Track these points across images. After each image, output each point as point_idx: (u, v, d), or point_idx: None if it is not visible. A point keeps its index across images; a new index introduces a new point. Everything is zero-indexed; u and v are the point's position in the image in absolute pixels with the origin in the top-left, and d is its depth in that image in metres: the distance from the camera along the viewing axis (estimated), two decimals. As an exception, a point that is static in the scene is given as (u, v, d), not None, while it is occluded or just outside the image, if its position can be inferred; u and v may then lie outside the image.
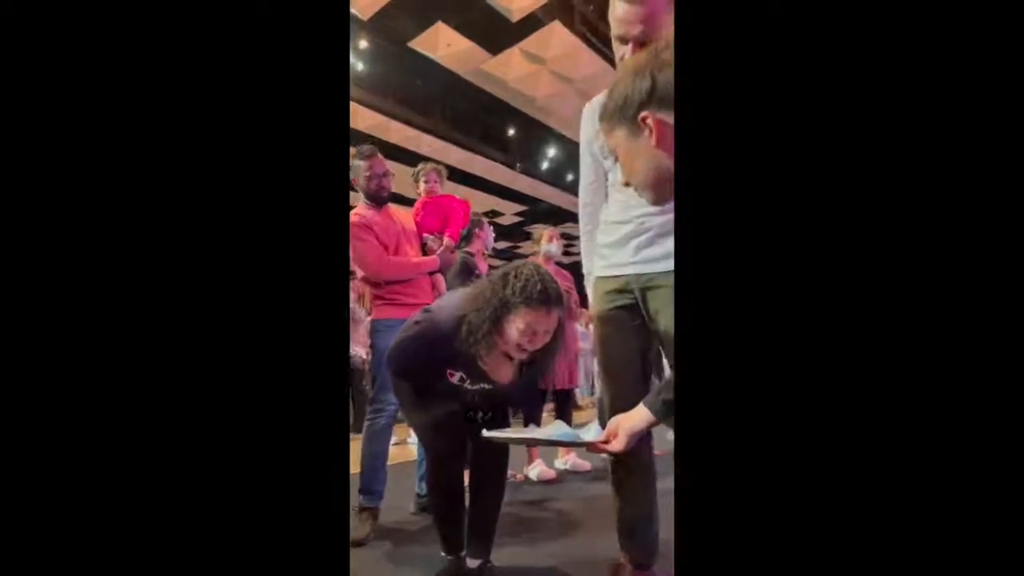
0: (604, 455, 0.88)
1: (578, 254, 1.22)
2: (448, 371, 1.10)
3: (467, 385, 1.11)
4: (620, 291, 1.06)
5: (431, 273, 1.72)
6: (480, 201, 6.70)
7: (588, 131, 1.12)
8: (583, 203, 1.18)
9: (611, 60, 3.93)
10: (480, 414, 1.14)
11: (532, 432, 1.03)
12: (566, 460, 2.33)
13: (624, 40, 0.96)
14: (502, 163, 6.07)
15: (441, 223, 1.84)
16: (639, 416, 0.74)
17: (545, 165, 6.16)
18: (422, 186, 1.94)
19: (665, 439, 2.30)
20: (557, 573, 1.22)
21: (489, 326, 0.99)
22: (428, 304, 1.54)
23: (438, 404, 1.13)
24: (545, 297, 0.98)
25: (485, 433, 0.95)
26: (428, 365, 1.09)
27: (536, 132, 5.74)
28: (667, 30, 0.66)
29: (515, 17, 4.40)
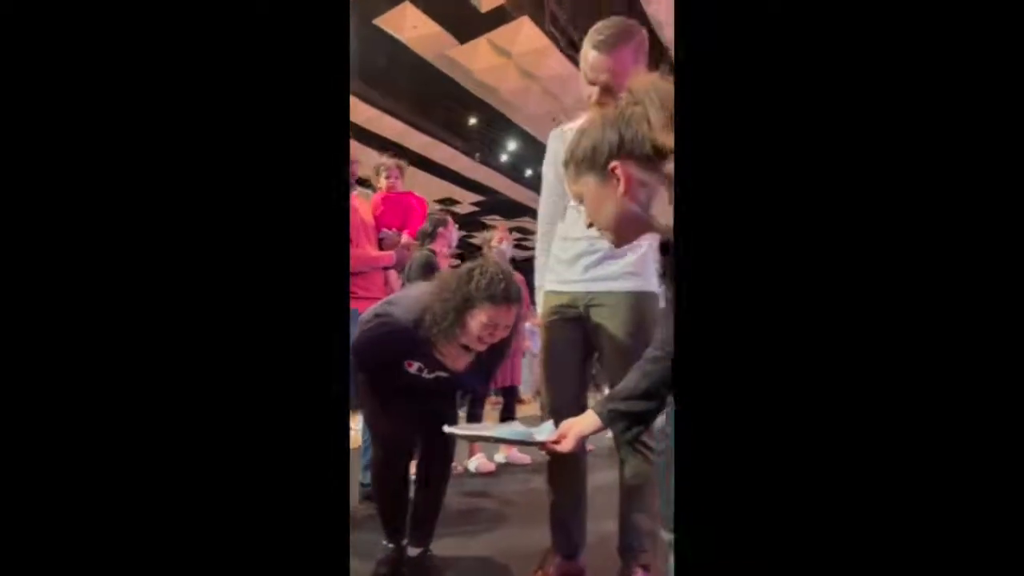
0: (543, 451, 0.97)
1: (530, 248, 1.30)
2: (406, 361, 1.15)
3: (424, 374, 1.16)
4: (567, 306, 1.15)
5: (385, 268, 1.74)
6: (437, 188, 6.64)
7: (553, 152, 1.19)
8: (542, 220, 1.25)
9: (577, 63, 4.01)
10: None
11: (490, 430, 1.10)
12: (506, 454, 2.42)
13: (592, 83, 1.03)
14: (462, 152, 6.05)
15: (400, 220, 1.86)
16: (588, 421, 0.82)
17: (504, 158, 6.20)
18: (383, 181, 1.94)
19: (605, 435, 2.45)
20: (493, 563, 1.30)
21: (453, 317, 1.04)
22: (379, 298, 1.57)
23: (392, 396, 1.17)
24: (507, 295, 1.04)
25: (446, 429, 1.00)
26: (387, 357, 1.13)
27: (498, 124, 5.75)
28: (635, 82, 0.72)
29: (484, 7, 4.38)
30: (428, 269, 1.99)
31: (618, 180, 0.66)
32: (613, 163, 0.66)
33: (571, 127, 1.20)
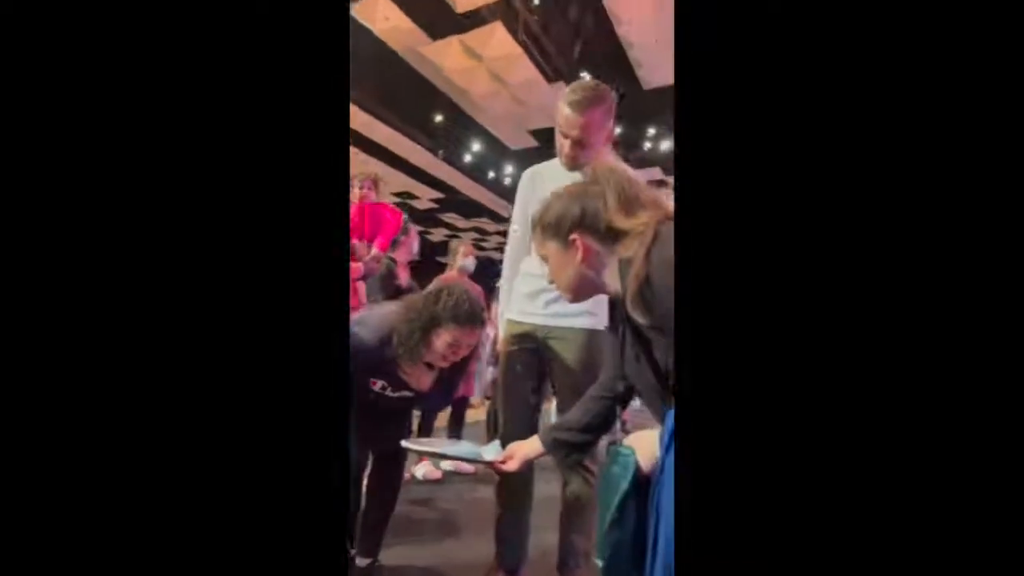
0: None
1: (489, 248, 1.37)
2: (371, 380, 1.19)
3: (388, 392, 1.21)
4: (525, 335, 1.23)
5: (354, 280, 1.76)
6: (398, 181, 6.55)
7: (524, 193, 1.27)
8: (509, 253, 1.33)
9: (546, 72, 4.08)
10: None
11: (442, 447, 1.17)
12: (453, 463, 2.49)
13: (566, 137, 1.12)
14: (426, 148, 6.00)
15: (372, 231, 1.88)
16: (532, 447, 0.92)
17: (468, 158, 6.21)
18: (357, 192, 1.94)
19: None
20: (439, 573, 1.37)
21: (419, 337, 1.10)
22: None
23: (351, 410, 1.21)
24: (472, 316, 1.11)
25: (403, 443, 1.07)
26: (351, 375, 1.17)
27: (464, 124, 5.75)
28: (598, 165, 0.82)
29: (460, 7, 4.37)
30: (388, 276, 2.01)
31: (578, 249, 0.76)
32: (574, 234, 0.76)
33: (539, 169, 1.28)
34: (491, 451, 1.00)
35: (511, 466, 0.93)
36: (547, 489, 1.34)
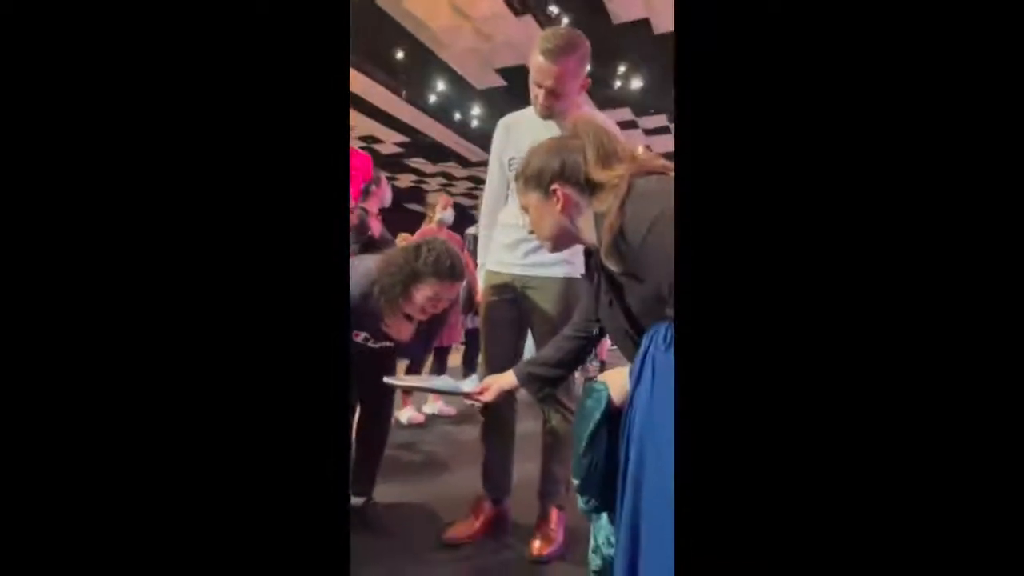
0: (473, 405, 1.12)
1: (457, 194, 1.36)
2: (354, 332, 1.22)
3: (370, 344, 1.24)
4: (504, 285, 1.27)
5: None
6: (359, 125, 6.24)
7: (499, 143, 1.26)
8: (486, 204, 1.33)
9: (512, 5, 3.88)
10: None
11: (424, 382, 1.24)
12: (433, 405, 2.58)
13: (539, 86, 1.10)
14: (386, 87, 5.69)
15: None
16: (507, 379, 1.00)
17: (432, 98, 5.93)
18: None
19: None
20: (429, 508, 1.47)
21: (400, 289, 1.14)
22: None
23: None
24: (452, 272, 1.15)
25: (385, 379, 1.13)
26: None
27: (427, 61, 5.45)
28: (579, 119, 0.83)
29: (417, -68, 4.04)
30: (360, 227, 1.98)
31: (558, 199, 0.79)
32: (554, 185, 0.79)
33: (513, 119, 1.26)
34: (469, 384, 1.08)
35: (487, 396, 1.01)
36: (529, 426, 1.44)
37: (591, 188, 0.78)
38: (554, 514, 1.27)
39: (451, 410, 2.60)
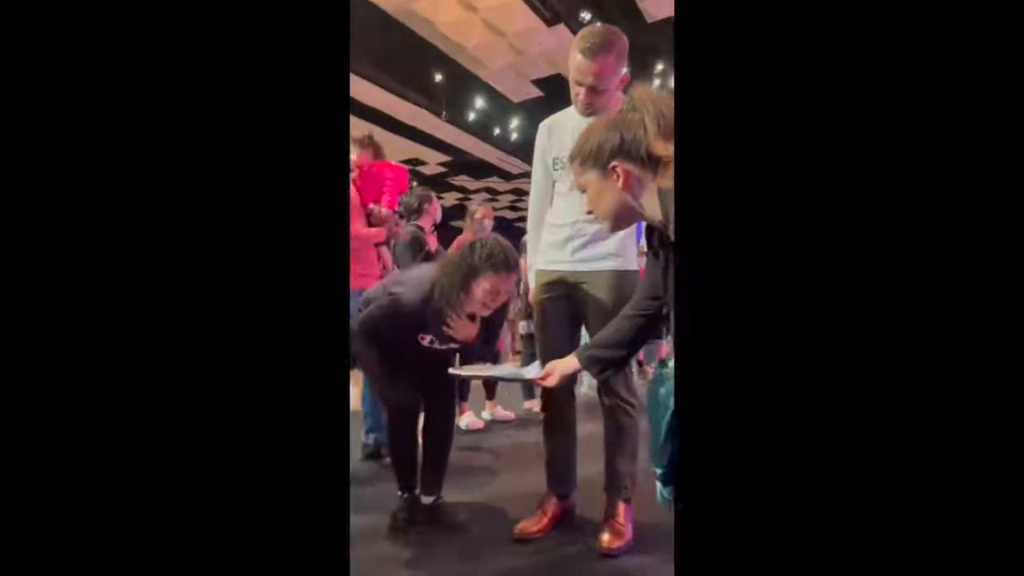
0: (531, 409, 1.13)
1: (501, 208, 1.40)
2: (420, 336, 1.28)
3: (437, 345, 1.31)
4: (555, 283, 1.29)
5: (377, 245, 1.82)
6: (403, 148, 6.49)
7: (542, 144, 1.30)
8: (532, 205, 1.37)
9: (544, 17, 3.94)
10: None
11: (486, 369, 1.28)
12: (491, 411, 2.63)
13: (579, 84, 1.14)
14: (427, 110, 5.90)
15: (378, 192, 1.89)
16: (569, 362, 1.00)
17: (472, 116, 6.09)
18: (352, 156, 1.94)
19: (578, 392, 2.69)
20: (495, 506, 1.50)
21: (459, 287, 1.19)
22: (374, 274, 1.68)
23: (404, 366, 1.31)
24: (507, 263, 1.19)
25: (451, 370, 1.19)
26: (397, 332, 1.27)
27: (465, 81, 5.62)
28: (636, 91, 0.82)
29: (448, -41, 4.20)
30: (417, 244, 2.08)
31: (618, 176, 0.79)
32: (614, 162, 0.79)
33: (555, 120, 1.30)
34: (532, 370, 1.09)
35: (551, 381, 1.00)
36: (590, 427, 1.44)
37: (653, 163, 0.76)
38: (621, 508, 1.26)
39: (509, 414, 2.63)
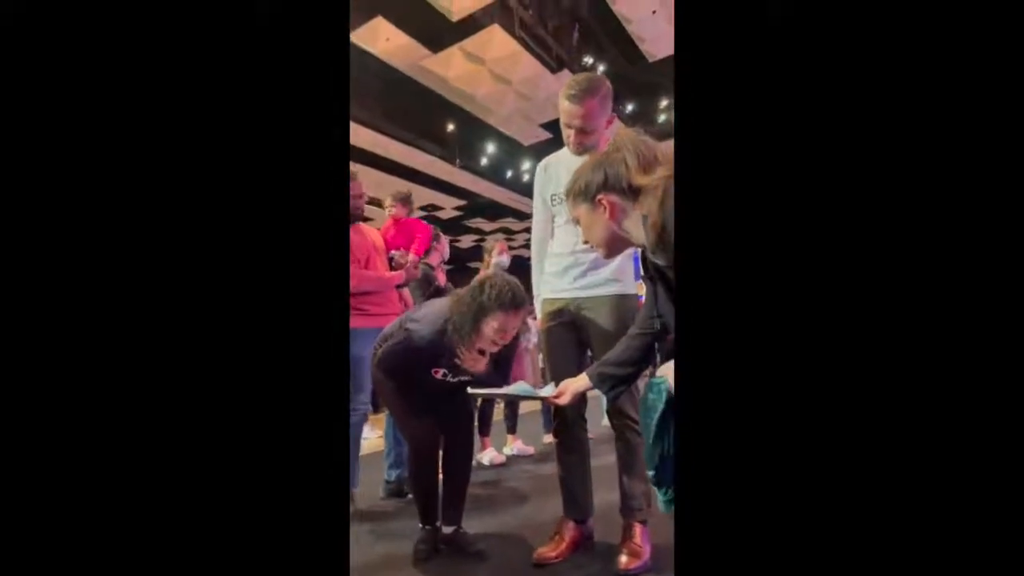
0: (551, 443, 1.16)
1: (517, 247, 1.49)
2: (433, 369, 1.34)
3: (450, 379, 1.36)
4: (560, 310, 1.35)
5: (398, 287, 1.93)
6: (419, 195, 6.77)
7: (540, 182, 1.40)
8: (535, 238, 1.46)
9: (548, 64, 4.15)
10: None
11: (502, 389, 1.32)
12: (512, 447, 2.64)
13: (569, 127, 1.24)
14: (441, 158, 6.18)
15: (407, 241, 2.13)
16: (580, 381, 1.07)
17: (484, 161, 6.35)
18: (389, 211, 2.22)
19: (600, 424, 2.70)
20: (515, 535, 1.51)
21: (470, 326, 1.24)
22: (396, 313, 1.78)
23: (422, 399, 1.37)
24: (515, 302, 1.25)
25: (469, 390, 1.24)
26: (414, 366, 1.33)
27: (476, 129, 5.89)
28: (618, 134, 0.93)
29: (455, 17, 4.51)
30: (426, 282, 2.20)
31: (604, 208, 0.89)
32: (600, 195, 0.89)
33: (550, 160, 1.40)
34: (547, 390, 1.15)
35: (564, 400, 1.07)
36: (601, 459, 1.46)
37: (634, 193, 0.86)
38: (638, 529, 1.26)
39: (530, 449, 2.63)
